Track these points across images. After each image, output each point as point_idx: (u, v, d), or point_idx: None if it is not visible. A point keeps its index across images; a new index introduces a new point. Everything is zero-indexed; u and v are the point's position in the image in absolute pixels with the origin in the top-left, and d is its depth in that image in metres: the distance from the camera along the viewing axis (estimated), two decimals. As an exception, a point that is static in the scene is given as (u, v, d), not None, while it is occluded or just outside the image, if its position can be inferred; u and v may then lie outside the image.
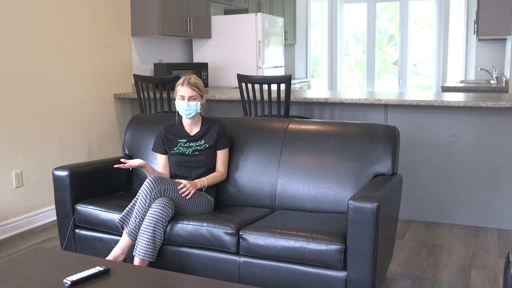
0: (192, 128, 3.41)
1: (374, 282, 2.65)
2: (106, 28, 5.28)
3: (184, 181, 3.17)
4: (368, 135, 3.26)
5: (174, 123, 3.46)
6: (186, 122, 3.40)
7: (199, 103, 3.33)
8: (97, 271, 2.26)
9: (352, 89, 10.03)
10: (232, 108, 5.20)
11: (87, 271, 2.26)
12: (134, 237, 2.99)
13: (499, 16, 6.05)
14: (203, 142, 3.37)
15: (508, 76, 6.24)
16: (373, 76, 9.61)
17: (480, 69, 7.71)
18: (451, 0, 8.68)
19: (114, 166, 3.27)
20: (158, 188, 3.04)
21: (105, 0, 5.25)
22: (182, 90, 3.30)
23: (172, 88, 4.00)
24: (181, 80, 3.34)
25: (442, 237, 4.16)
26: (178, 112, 3.40)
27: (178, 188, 3.11)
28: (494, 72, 7.38)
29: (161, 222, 2.95)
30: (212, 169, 3.40)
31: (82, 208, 3.32)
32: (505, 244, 4.01)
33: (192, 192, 3.14)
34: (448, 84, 7.23)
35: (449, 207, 4.46)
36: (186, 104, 3.29)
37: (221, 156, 3.41)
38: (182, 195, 3.10)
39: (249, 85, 4.46)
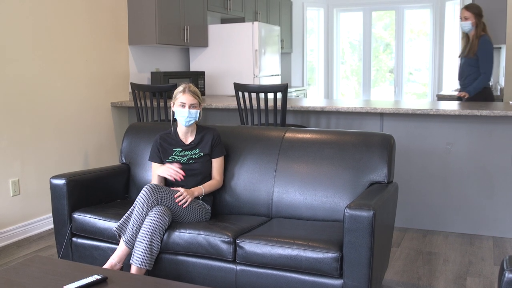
0: (187, 137, 3.42)
1: (370, 290, 2.66)
2: (103, 37, 5.30)
3: (181, 189, 3.18)
4: (364, 144, 3.28)
5: (169, 132, 3.46)
6: (181, 131, 3.41)
7: (198, 111, 3.35)
8: (94, 279, 2.27)
9: (348, 97, 10.06)
10: (229, 117, 5.21)
11: (84, 279, 2.26)
12: (131, 246, 2.99)
13: (493, 26, 6.08)
14: (198, 151, 3.38)
15: (502, 84, 6.27)
16: (369, 84, 9.64)
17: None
18: (446, 9, 8.73)
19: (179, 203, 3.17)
20: (155, 196, 3.04)
21: (103, 9, 5.28)
22: (183, 98, 3.30)
23: (170, 97, 4.01)
24: (181, 88, 3.35)
25: (438, 245, 4.17)
26: (173, 120, 3.41)
27: (175, 196, 3.12)
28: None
29: (158, 230, 2.96)
30: (208, 177, 3.41)
31: (79, 216, 3.32)
32: (501, 251, 4.02)
33: (189, 200, 3.15)
34: (444, 92, 7.25)
35: (444, 215, 4.48)
36: (187, 112, 3.29)
37: (217, 164, 3.43)
38: (179, 204, 3.11)
39: (246, 94, 4.48)
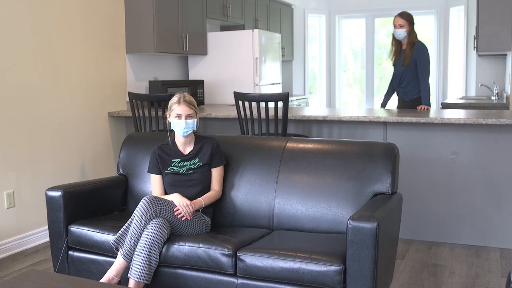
0: (186, 147, 3.36)
1: (375, 306, 2.59)
2: (100, 45, 5.25)
3: (184, 202, 3.12)
4: (367, 154, 3.24)
5: (167, 142, 3.42)
6: (179, 141, 3.36)
7: (195, 120, 3.29)
8: (88, 296, 2.20)
9: (351, 105, 10.02)
10: (229, 126, 5.16)
11: (78, 296, 2.20)
12: (129, 259, 2.96)
13: (498, 32, 6.04)
14: (197, 161, 3.32)
15: (508, 92, 6.22)
16: (372, 92, 9.59)
17: (481, 85, 7.67)
18: (450, 15, 8.69)
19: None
20: (154, 208, 3.01)
21: (100, 17, 5.23)
22: (179, 109, 3.26)
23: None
24: (175, 99, 3.30)
25: (444, 257, 4.10)
26: (171, 131, 3.37)
27: (174, 209, 3.08)
28: (494, 88, 7.35)
29: (156, 243, 2.92)
30: (208, 187, 3.36)
31: (75, 229, 3.28)
32: (508, 263, 3.95)
33: (189, 214, 3.10)
34: (449, 100, 7.21)
35: (450, 226, 4.41)
36: (184, 123, 3.25)
37: (216, 174, 3.37)
38: (178, 217, 3.07)
39: (246, 103, 4.42)
